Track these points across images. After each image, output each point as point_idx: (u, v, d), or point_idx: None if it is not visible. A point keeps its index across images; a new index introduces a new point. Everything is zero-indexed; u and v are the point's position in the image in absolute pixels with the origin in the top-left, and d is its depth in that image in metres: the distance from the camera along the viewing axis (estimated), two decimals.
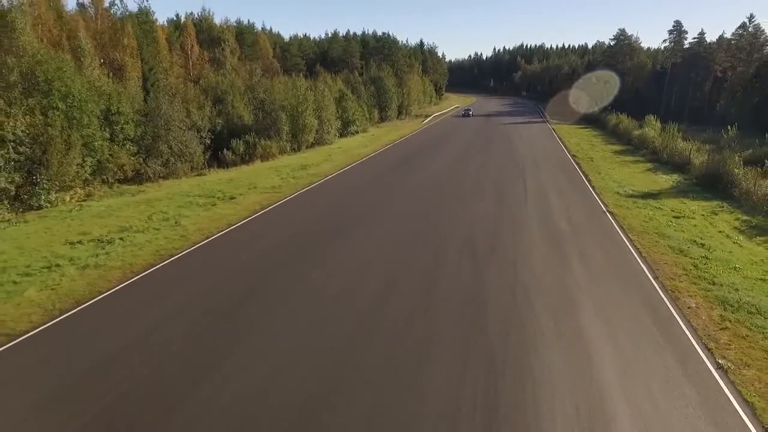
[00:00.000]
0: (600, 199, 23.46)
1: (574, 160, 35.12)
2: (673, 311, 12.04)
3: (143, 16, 43.15)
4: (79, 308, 11.99)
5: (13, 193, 21.78)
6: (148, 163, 29.37)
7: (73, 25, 32.65)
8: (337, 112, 48.52)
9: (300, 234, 18.31)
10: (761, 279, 14.14)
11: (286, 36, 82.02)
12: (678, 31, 74.22)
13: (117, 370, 9.46)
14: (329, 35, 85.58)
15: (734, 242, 17.73)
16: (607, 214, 20.94)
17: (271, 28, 78.12)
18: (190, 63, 46.41)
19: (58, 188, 23.45)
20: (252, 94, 42.39)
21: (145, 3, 68.64)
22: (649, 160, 35.91)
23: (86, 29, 32.48)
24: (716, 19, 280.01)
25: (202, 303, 12.41)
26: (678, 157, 33.18)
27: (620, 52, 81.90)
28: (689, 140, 37.39)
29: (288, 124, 39.83)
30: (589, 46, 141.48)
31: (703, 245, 16.96)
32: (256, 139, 37.22)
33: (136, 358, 9.89)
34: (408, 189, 25.83)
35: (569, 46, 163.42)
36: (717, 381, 9.27)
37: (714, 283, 13.61)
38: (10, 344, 10.43)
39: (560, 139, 48.04)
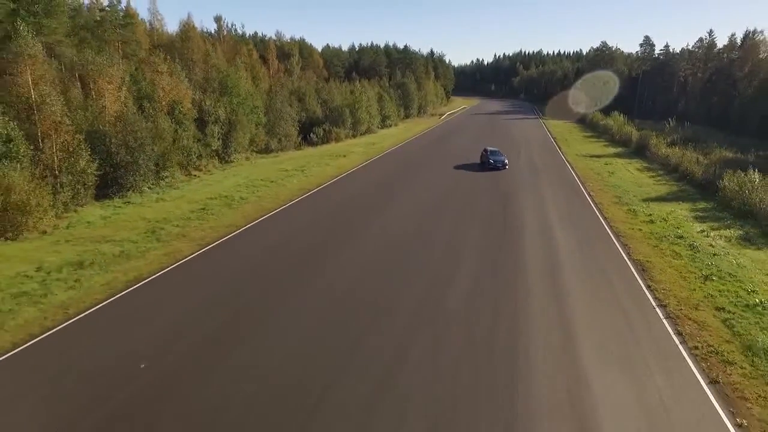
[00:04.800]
0: (564, 157, 38.93)
1: (555, 141, 50.59)
2: (582, 188, 27.54)
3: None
4: (323, 186, 27.49)
5: (219, 153, 37.20)
6: (271, 141, 44.80)
7: (211, 47, 48.02)
8: (378, 109, 63.94)
9: (397, 169, 33.84)
10: (631, 182, 29.60)
11: (317, 45, 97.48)
12: (648, 43, 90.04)
13: (355, 197, 25.02)
14: (357, 47, 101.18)
15: (630, 173, 33.09)
16: (566, 162, 36.41)
17: (302, 38, 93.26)
18: (271, 72, 61.77)
19: (237, 152, 38.82)
20: (318, 96, 57.84)
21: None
22: (608, 140, 51.33)
23: (221, 50, 47.85)
24: (688, 24, 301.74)
25: (372, 186, 27.83)
26: (625, 138, 48.49)
27: (602, 61, 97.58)
28: (645, 129, 52.43)
29: (350, 117, 55.23)
30: (584, 52, 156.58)
31: (612, 173, 32.37)
32: (330, 127, 52.61)
33: (361, 196, 25.43)
34: (445, 153, 41.29)
35: (564, 52, 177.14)
36: (588, 200, 24.75)
37: (606, 182, 29.11)
38: (297, 200, 25.78)
39: (548, 129, 63.49)
